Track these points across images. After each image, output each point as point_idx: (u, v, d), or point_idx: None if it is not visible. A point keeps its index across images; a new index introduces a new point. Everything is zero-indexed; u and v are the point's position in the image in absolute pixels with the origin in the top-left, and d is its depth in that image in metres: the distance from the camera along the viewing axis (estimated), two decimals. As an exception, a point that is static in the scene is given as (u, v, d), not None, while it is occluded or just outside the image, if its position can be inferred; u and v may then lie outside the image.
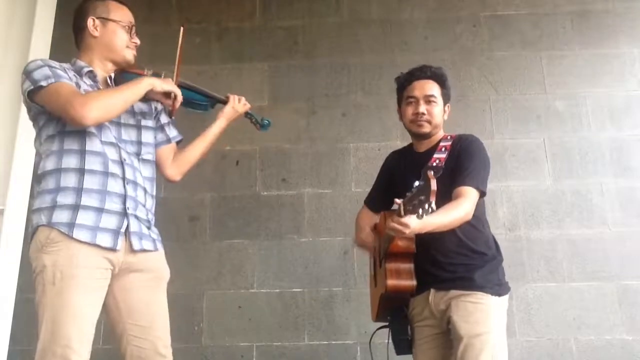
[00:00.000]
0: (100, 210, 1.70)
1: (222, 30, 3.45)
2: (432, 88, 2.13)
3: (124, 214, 1.74)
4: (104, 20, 1.89)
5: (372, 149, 3.18)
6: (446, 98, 2.17)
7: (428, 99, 2.11)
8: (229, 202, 3.14)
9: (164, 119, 2.04)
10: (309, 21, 3.47)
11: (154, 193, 1.92)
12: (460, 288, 1.94)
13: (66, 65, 1.85)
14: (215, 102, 2.13)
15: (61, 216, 1.67)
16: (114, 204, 1.73)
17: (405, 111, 2.15)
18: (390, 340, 2.10)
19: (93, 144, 1.74)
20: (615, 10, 3.42)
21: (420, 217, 1.60)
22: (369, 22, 3.47)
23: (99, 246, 1.67)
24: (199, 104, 2.11)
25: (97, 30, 1.88)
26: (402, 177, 2.13)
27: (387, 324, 2.15)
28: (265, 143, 3.16)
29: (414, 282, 1.99)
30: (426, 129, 2.11)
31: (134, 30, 1.95)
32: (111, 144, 1.78)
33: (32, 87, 1.71)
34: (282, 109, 3.26)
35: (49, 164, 1.74)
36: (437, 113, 2.12)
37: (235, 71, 3.34)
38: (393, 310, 2.10)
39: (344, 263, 3.02)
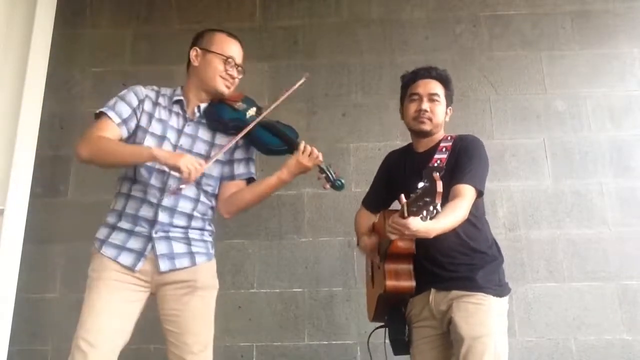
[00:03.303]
0: (130, 233, 1.91)
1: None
2: (436, 87, 2.14)
3: (150, 237, 1.90)
4: (205, 51, 2.02)
5: (372, 149, 3.18)
6: (449, 100, 2.18)
7: (432, 97, 2.12)
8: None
9: (238, 154, 2.06)
10: (309, 21, 3.47)
11: (210, 217, 2.04)
12: (462, 288, 1.94)
13: (165, 91, 2.04)
14: (293, 150, 1.98)
15: (102, 232, 1.95)
16: (142, 228, 1.91)
17: (408, 108, 2.15)
18: (388, 341, 2.10)
19: (141, 174, 1.92)
20: (615, 10, 3.42)
21: (424, 219, 1.58)
22: (369, 22, 3.47)
23: (120, 264, 1.87)
24: (273, 150, 2.01)
25: (197, 60, 2.03)
26: (402, 178, 2.12)
27: (384, 324, 2.15)
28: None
29: (413, 283, 1.98)
30: (427, 126, 2.11)
31: (232, 63, 2.02)
32: (161, 172, 1.92)
33: (95, 112, 1.95)
34: (282, 109, 3.22)
35: (116, 187, 2.00)
36: (440, 112, 2.13)
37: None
38: (391, 311, 2.10)
39: (344, 263, 3.02)
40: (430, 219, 1.63)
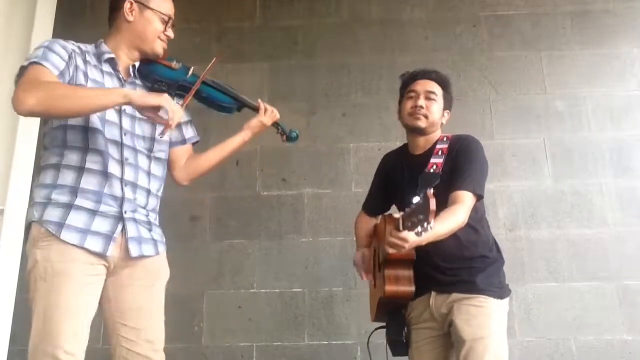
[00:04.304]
0: (93, 213, 1.65)
1: (222, 30, 3.44)
2: (434, 86, 2.14)
3: (120, 217, 1.68)
4: (142, 6, 1.81)
5: (372, 149, 3.18)
6: (447, 103, 2.16)
7: (428, 95, 2.11)
8: (229, 202, 3.14)
9: (183, 116, 1.87)
10: (309, 21, 3.47)
11: (160, 193, 1.87)
12: (462, 291, 1.94)
13: (87, 48, 1.80)
14: (243, 106, 2.00)
15: (53, 214, 1.62)
16: (109, 207, 1.67)
17: (405, 105, 2.15)
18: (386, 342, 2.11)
19: (96, 141, 1.67)
20: (615, 10, 3.42)
21: (419, 234, 1.58)
22: (369, 22, 3.47)
23: (87, 250, 1.62)
24: (223, 106, 1.97)
25: (132, 14, 1.80)
26: (401, 182, 2.12)
27: (384, 324, 2.15)
28: (265, 143, 3.15)
29: (412, 288, 1.98)
30: (422, 123, 2.09)
31: (170, 23, 1.86)
32: (114, 141, 1.71)
33: (20, 66, 1.65)
34: (282, 109, 3.21)
35: (52, 158, 1.69)
36: (435, 110, 2.11)
37: (235, 71, 3.33)
38: (390, 312, 2.10)
39: (344, 263, 3.01)
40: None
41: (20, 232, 2.98)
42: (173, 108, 1.63)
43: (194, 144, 1.99)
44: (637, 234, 3.01)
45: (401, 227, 1.65)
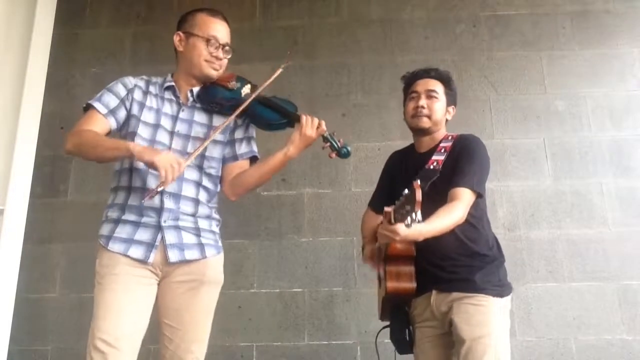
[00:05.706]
0: (137, 224, 1.84)
1: (222, 30, 3.44)
2: (434, 85, 2.14)
3: (159, 227, 1.83)
4: (188, 34, 1.97)
5: (372, 149, 3.18)
6: (450, 99, 2.18)
7: (429, 94, 2.12)
8: (228, 202, 3.13)
9: (239, 133, 2.01)
10: (309, 21, 3.47)
11: (214, 204, 1.98)
12: (462, 290, 1.94)
13: (156, 79, 2.00)
14: (294, 122, 1.96)
15: (105, 229, 1.87)
16: (149, 218, 1.84)
17: (407, 106, 2.17)
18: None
19: (140, 162, 1.82)
20: (615, 10, 3.42)
21: (408, 226, 1.60)
22: (369, 22, 3.47)
23: (131, 257, 1.80)
24: (272, 124, 1.98)
25: (181, 45, 1.98)
26: (404, 179, 2.12)
27: (388, 324, 2.15)
28: (265, 143, 3.15)
29: (413, 285, 1.98)
30: (425, 124, 2.11)
31: (216, 44, 1.95)
32: None
33: (87, 102, 1.92)
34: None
35: (113, 182, 1.93)
36: (438, 109, 2.12)
37: (235, 71, 3.32)
38: (393, 311, 2.10)
39: (344, 263, 3.02)
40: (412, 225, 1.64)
41: (21, 232, 2.99)
42: (167, 166, 1.69)
43: (251, 159, 2.03)
44: (637, 234, 3.01)
45: (392, 220, 1.67)
